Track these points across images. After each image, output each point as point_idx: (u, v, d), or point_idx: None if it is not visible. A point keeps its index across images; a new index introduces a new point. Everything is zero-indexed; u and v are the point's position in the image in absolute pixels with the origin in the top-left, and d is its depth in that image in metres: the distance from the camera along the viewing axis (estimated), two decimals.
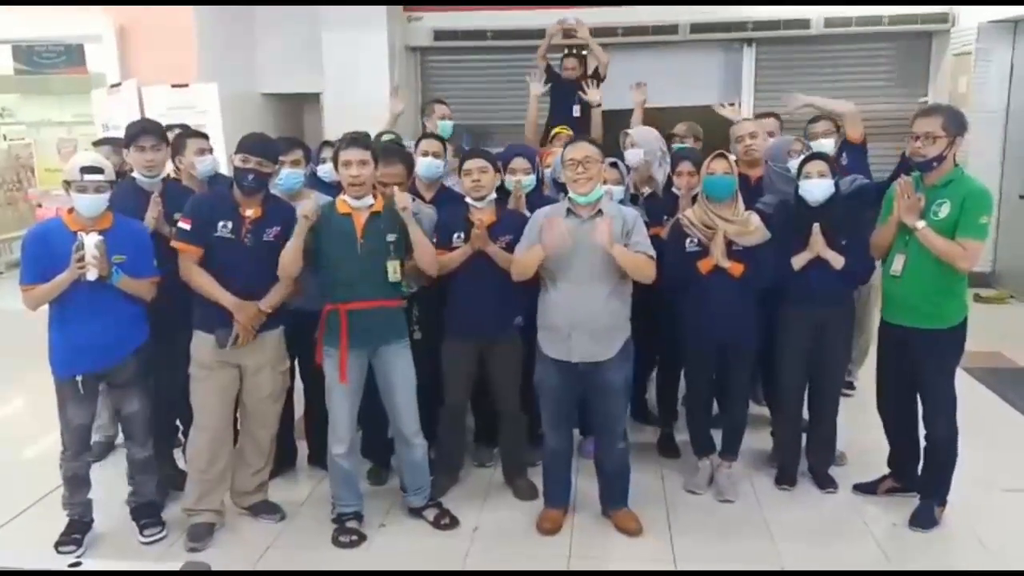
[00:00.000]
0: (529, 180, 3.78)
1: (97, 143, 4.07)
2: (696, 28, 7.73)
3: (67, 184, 3.04)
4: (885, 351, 3.46)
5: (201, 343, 3.26)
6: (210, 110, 5.92)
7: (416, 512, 3.47)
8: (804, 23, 7.63)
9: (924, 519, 3.36)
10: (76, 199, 3.02)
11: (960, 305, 3.26)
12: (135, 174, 3.47)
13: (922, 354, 3.27)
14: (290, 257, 3.15)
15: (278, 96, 7.62)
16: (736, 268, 3.41)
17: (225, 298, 3.18)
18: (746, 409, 3.78)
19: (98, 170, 3.02)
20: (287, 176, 3.60)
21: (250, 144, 3.22)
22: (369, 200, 3.20)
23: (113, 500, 3.47)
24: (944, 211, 3.16)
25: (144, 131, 3.44)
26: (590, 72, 5.92)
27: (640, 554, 3.24)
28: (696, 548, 3.27)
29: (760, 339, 3.58)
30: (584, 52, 6.17)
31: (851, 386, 4.64)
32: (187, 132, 3.81)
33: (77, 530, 3.27)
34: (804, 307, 3.51)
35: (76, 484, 3.26)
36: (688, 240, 3.47)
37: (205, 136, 3.83)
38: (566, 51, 6.26)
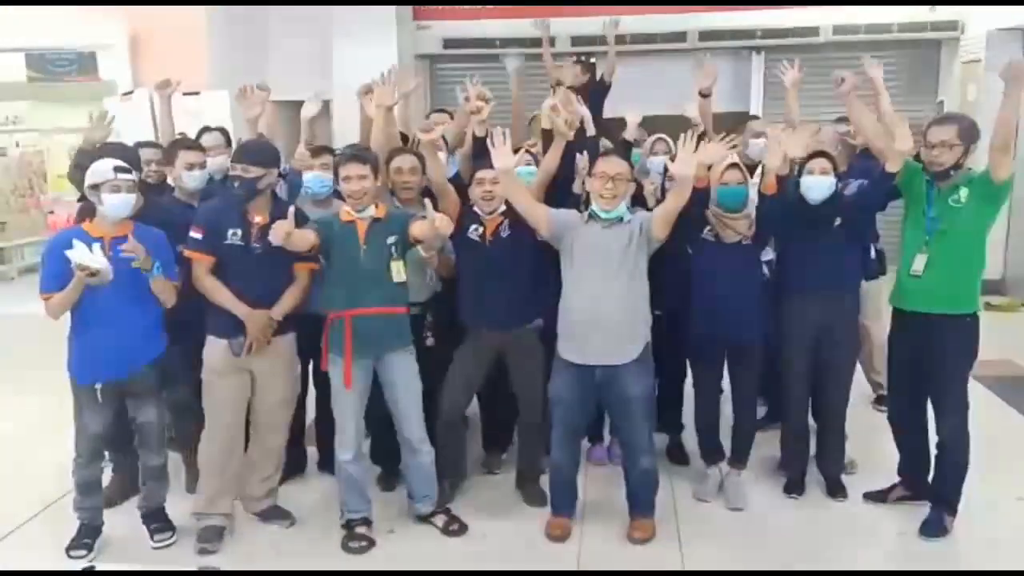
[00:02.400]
0: (529, 170, 3.72)
1: (141, 144, 4.06)
2: (705, 36, 7.76)
3: (95, 187, 3.03)
4: (897, 353, 3.45)
5: (213, 349, 3.28)
6: (221, 118, 5.96)
7: (425, 519, 3.47)
8: (813, 31, 7.65)
9: (934, 528, 3.34)
10: (108, 200, 3.02)
11: (974, 294, 3.27)
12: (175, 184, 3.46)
13: (938, 342, 3.24)
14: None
15: (288, 103, 7.65)
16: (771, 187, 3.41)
17: (236, 307, 3.21)
18: (754, 415, 3.78)
19: (129, 169, 3.06)
20: (314, 179, 3.64)
21: (237, 152, 3.28)
22: (371, 211, 3.22)
23: (124, 505, 3.49)
24: (963, 195, 3.19)
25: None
26: (596, 79, 5.91)
27: (649, 561, 3.24)
28: (705, 556, 3.27)
29: (764, 336, 3.58)
30: (593, 60, 6.17)
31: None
32: (181, 143, 3.83)
33: (87, 535, 3.29)
34: (807, 296, 3.50)
35: (88, 489, 3.27)
36: (707, 228, 3.51)
37: (201, 148, 3.78)
38: (573, 59, 6.28)
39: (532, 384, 3.53)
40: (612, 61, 5.90)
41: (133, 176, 3.05)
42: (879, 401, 4.53)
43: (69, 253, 2.90)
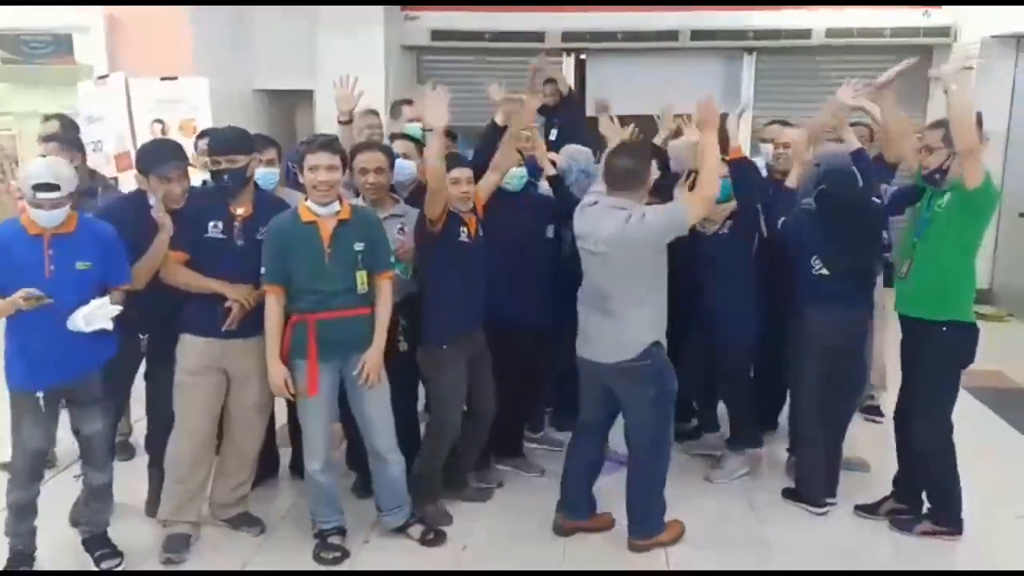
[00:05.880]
0: (521, 172, 3.70)
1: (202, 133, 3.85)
2: (697, 35, 7.67)
3: (21, 194, 2.78)
4: (901, 357, 3.45)
5: (188, 347, 3.12)
6: (200, 105, 5.77)
7: (401, 529, 3.33)
8: (805, 33, 7.59)
9: (901, 524, 3.37)
10: (32, 213, 2.76)
11: (954, 303, 3.19)
12: (151, 199, 3.09)
13: (914, 346, 3.26)
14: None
15: (271, 92, 7.50)
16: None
17: (214, 284, 3.05)
18: (743, 398, 3.83)
19: (53, 187, 2.71)
20: (264, 175, 3.47)
21: (214, 144, 3.11)
22: (336, 207, 3.02)
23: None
24: (945, 200, 3.18)
25: (173, 156, 3.11)
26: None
27: (633, 563, 3.20)
28: (692, 562, 3.21)
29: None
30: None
31: (879, 412, 4.52)
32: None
33: (21, 562, 2.99)
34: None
35: (22, 512, 2.98)
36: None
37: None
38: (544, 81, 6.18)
39: (492, 384, 3.49)
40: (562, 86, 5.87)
41: (58, 194, 2.73)
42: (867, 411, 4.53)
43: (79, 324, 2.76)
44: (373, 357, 3.05)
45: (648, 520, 3.25)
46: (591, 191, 3.23)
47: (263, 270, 3.02)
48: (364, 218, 3.11)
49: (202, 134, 3.89)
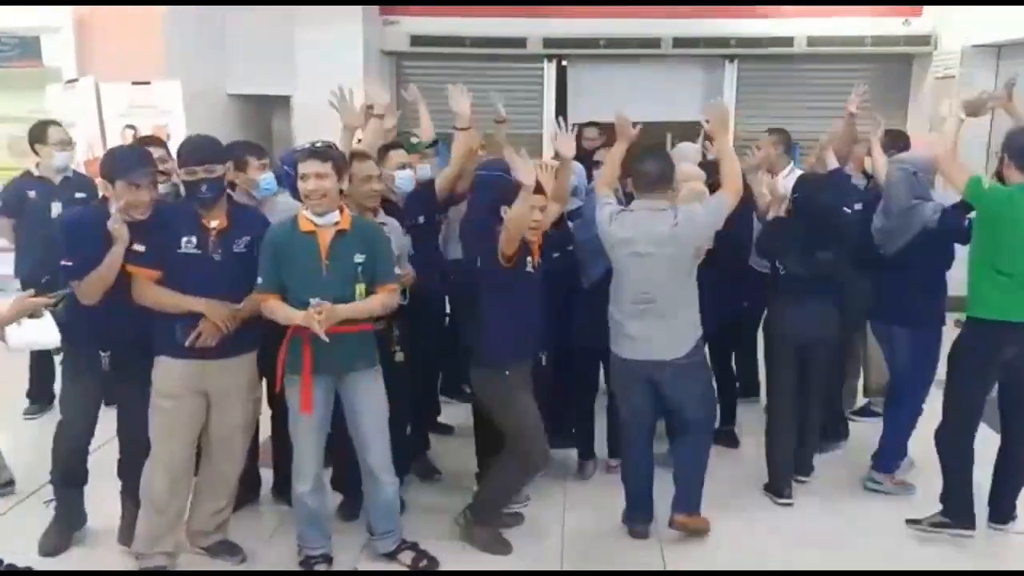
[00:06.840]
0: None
1: (143, 140, 3.65)
2: (679, 43, 7.62)
3: None
4: None
5: (166, 370, 2.95)
6: (173, 110, 5.61)
7: (391, 555, 3.19)
8: (787, 41, 7.57)
9: (914, 520, 3.43)
10: None
11: (971, 304, 3.31)
12: (112, 208, 2.89)
13: None
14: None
15: (246, 97, 7.32)
16: None
17: (193, 302, 2.88)
18: None
19: None
20: (266, 180, 3.36)
21: (188, 154, 2.95)
22: (334, 216, 2.90)
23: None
24: None
25: (142, 162, 2.94)
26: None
27: (631, 562, 3.23)
28: (688, 561, 3.22)
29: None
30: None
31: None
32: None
33: None
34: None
35: None
36: None
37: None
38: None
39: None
40: None
41: None
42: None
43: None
44: (338, 309, 2.82)
45: (695, 498, 3.31)
46: (605, 201, 3.26)
47: (259, 280, 2.89)
48: (366, 229, 2.99)
49: (145, 140, 3.70)
